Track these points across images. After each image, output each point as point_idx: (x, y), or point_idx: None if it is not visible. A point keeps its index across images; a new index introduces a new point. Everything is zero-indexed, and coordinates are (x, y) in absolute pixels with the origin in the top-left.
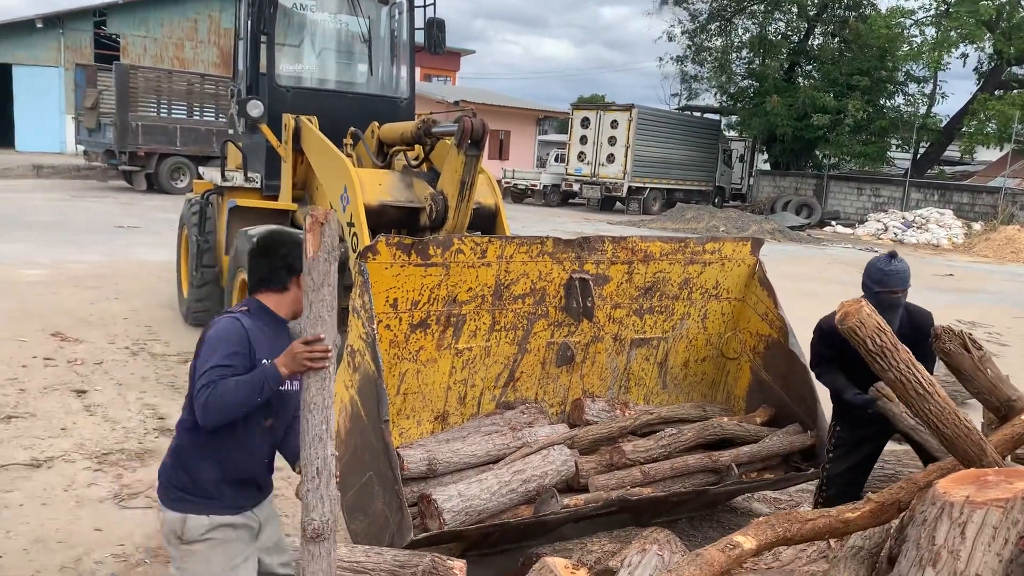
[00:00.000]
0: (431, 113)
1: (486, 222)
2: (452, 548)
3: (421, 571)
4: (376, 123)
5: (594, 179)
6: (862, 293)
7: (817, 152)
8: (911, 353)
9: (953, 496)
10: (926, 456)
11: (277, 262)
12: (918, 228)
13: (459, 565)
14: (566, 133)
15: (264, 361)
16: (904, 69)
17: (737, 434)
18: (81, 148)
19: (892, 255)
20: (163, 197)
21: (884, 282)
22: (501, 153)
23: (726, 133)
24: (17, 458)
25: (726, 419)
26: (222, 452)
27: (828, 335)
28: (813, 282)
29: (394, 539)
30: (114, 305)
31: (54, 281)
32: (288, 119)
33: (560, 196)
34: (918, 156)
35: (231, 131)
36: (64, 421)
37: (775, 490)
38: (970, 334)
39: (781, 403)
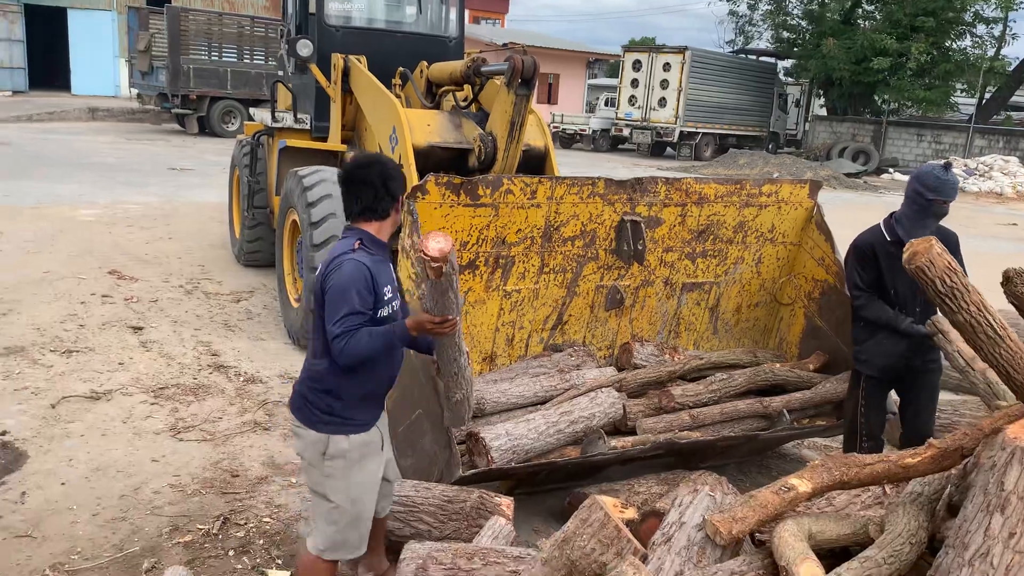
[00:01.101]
0: (480, 52)
1: (536, 164)
2: (499, 486)
3: (469, 506)
4: (425, 63)
5: (645, 124)
6: (905, 205)
7: (876, 97)
8: (982, 295)
9: None
10: None
11: (380, 192)
12: (981, 176)
13: (506, 502)
14: (616, 77)
15: (389, 300)
16: (972, 9)
17: (789, 380)
18: (135, 91)
19: (947, 165)
20: (214, 140)
21: (940, 190)
22: (550, 97)
23: (782, 77)
24: (77, 390)
25: (778, 365)
26: (365, 374)
27: (865, 255)
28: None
29: (442, 475)
30: (168, 245)
31: (110, 221)
32: (337, 59)
33: (610, 141)
34: (984, 101)
35: (281, 72)
36: (121, 356)
37: (826, 437)
38: None
39: (835, 350)
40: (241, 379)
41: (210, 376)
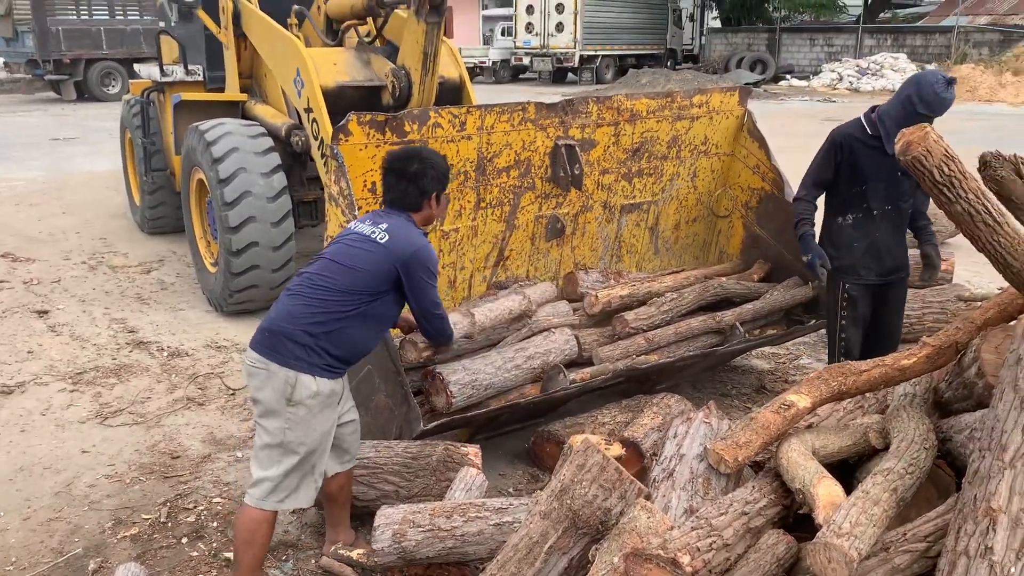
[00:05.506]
0: None
1: (451, 96)
2: (459, 434)
3: (435, 460)
4: None
5: (544, 51)
6: (894, 104)
7: (767, 5)
8: (979, 181)
9: None
10: None
11: (408, 187)
12: (873, 75)
13: (474, 450)
14: (510, 6)
15: None
16: None
17: (737, 292)
18: (0, 60)
19: (951, 81)
20: (96, 105)
21: (934, 107)
22: (445, 30)
23: None
24: None
25: (725, 279)
26: (376, 336)
27: (841, 148)
28: (778, 136)
29: (402, 431)
30: (63, 220)
31: None
32: (226, 1)
33: (510, 71)
34: (870, 2)
35: (163, 23)
36: (29, 343)
37: (775, 346)
38: (1023, 158)
39: (777, 257)
40: (165, 354)
41: (131, 355)
